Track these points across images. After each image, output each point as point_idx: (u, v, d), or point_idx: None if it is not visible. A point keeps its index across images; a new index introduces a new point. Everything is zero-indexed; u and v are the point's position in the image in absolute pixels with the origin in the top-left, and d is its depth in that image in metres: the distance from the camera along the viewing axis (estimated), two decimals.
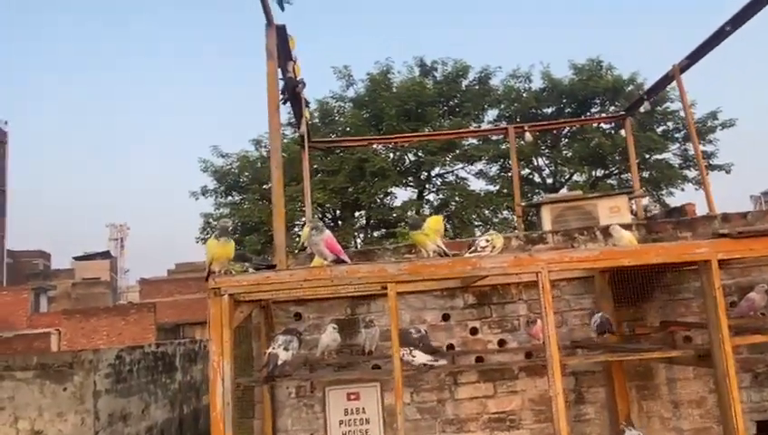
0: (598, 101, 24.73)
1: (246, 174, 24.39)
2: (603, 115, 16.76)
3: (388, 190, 24.36)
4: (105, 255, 48.74)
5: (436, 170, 25.27)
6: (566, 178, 25.88)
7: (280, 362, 3.78)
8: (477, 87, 24.95)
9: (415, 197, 25.09)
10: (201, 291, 3.38)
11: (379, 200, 23.94)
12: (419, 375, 5.23)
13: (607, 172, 25.45)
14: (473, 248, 4.16)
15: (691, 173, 23.95)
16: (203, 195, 24.44)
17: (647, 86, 23.48)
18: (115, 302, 38.82)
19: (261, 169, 23.53)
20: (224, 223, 3.51)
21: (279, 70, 6.28)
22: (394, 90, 24.09)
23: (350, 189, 22.79)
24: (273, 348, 3.84)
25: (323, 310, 5.31)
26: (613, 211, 7.45)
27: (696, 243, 3.61)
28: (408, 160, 24.73)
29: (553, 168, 26.33)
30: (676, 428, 5.19)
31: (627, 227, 5.42)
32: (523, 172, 25.91)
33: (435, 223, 5.20)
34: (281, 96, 7.26)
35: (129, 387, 9.75)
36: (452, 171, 25.25)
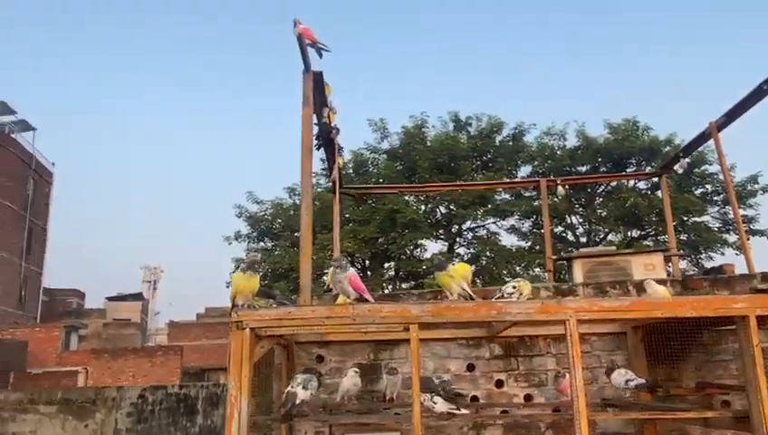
0: (633, 162, 24.56)
1: (279, 221, 24.76)
2: (640, 172, 16.57)
3: (419, 242, 24.36)
4: (137, 296, 49.42)
5: (468, 224, 25.25)
6: (600, 237, 25.50)
7: (298, 401, 3.71)
8: (511, 143, 25.10)
9: (445, 249, 24.99)
10: (228, 336, 3.36)
11: (408, 252, 23.91)
12: (442, 427, 5.07)
13: (643, 233, 25.03)
14: (499, 294, 4.08)
15: (731, 237, 23.35)
16: (236, 240, 24.85)
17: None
18: (144, 343, 39.09)
19: (293, 217, 23.86)
20: (252, 256, 3.53)
21: (314, 116, 6.44)
22: (428, 143, 24.42)
23: (380, 240, 22.87)
24: (292, 387, 3.77)
25: (346, 353, 5.23)
26: (648, 269, 7.27)
27: (733, 298, 3.47)
28: (439, 213, 24.80)
29: (587, 226, 26.04)
30: None
31: (661, 282, 5.26)
32: (556, 230, 25.70)
33: (462, 269, 5.14)
34: (315, 141, 7.42)
35: (149, 428, 9.69)
36: (483, 226, 25.18)
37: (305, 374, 3.89)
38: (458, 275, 3.82)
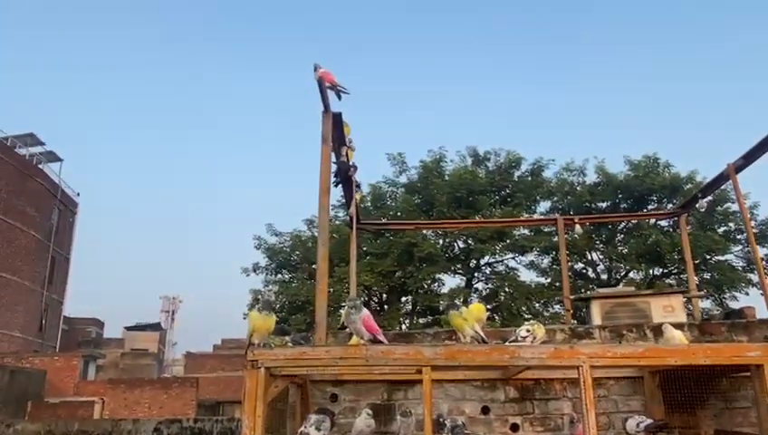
0: (654, 198, 24.36)
1: (297, 253, 24.86)
2: (659, 211, 16.44)
3: (436, 277, 24.29)
4: (155, 326, 49.68)
5: (486, 259, 25.11)
6: (621, 274, 25.18)
7: None
8: (530, 178, 25.07)
9: (463, 284, 24.85)
10: (243, 369, 3.42)
11: (426, 286, 23.81)
12: None
13: (665, 271, 24.66)
14: (513, 338, 4.08)
15: (755, 277, 22.92)
16: (254, 271, 24.96)
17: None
18: (160, 374, 39.14)
19: (311, 249, 23.98)
20: (268, 296, 3.60)
21: (333, 154, 6.57)
22: (446, 178, 24.52)
23: (397, 274, 22.82)
24: (306, 427, 3.79)
25: (360, 393, 5.23)
26: (667, 310, 7.19)
27: (747, 345, 3.44)
28: (457, 247, 24.73)
29: (608, 263, 25.74)
30: None
31: (679, 326, 5.21)
32: (576, 266, 25.48)
33: (477, 311, 5.16)
34: (333, 178, 7.55)
35: None
36: (502, 261, 25.02)
37: (318, 415, 3.91)
38: (472, 317, 3.84)
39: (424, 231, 23.51)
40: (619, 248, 24.94)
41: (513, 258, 25.02)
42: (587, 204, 24.56)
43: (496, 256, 24.86)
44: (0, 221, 29.39)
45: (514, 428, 5.13)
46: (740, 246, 22.99)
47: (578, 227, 9.00)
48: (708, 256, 22.29)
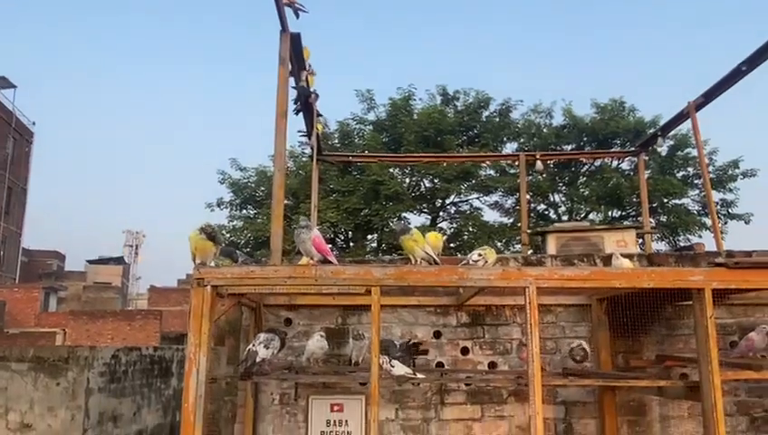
0: (618, 142, 24.64)
1: (263, 189, 24.56)
2: (619, 150, 16.62)
3: (402, 215, 24.38)
4: (118, 260, 49.16)
5: (451, 199, 25.31)
6: (582, 216, 25.68)
7: (259, 360, 3.73)
8: (497, 119, 25.05)
9: (428, 223, 25.07)
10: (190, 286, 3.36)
11: (391, 224, 23.94)
12: (407, 392, 5.15)
13: (624, 213, 25.26)
14: (465, 261, 4.10)
15: (709, 220, 23.67)
16: (218, 206, 24.69)
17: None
18: (124, 307, 38.99)
19: None
20: (206, 227, 3.48)
21: (292, 78, 6.37)
22: (415, 116, 24.30)
23: (363, 211, 22.84)
24: (254, 345, 3.80)
25: (314, 317, 5.26)
26: (620, 244, 7.35)
27: (690, 270, 3.53)
28: (423, 187, 24.80)
29: (570, 205, 26.21)
30: None
31: (629, 257, 5.32)
32: (539, 207, 25.92)
33: (434, 239, 5.17)
34: (293, 106, 7.35)
35: (122, 388, 9.71)
36: (467, 201, 25.26)
37: (268, 334, 3.91)
38: (422, 239, 3.84)
39: (391, 169, 23.48)
40: (581, 191, 25.39)
41: (477, 198, 25.28)
42: (553, 146, 24.72)
43: (461, 196, 25.09)
44: None
45: (465, 351, 5.25)
46: (697, 191, 23.59)
47: (539, 163, 9.04)
48: (666, 200, 22.86)
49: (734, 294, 4.02)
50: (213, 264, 3.47)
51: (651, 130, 23.28)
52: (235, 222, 24.58)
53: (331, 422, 5.05)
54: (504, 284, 3.51)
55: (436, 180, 23.95)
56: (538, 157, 9.06)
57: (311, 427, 5.04)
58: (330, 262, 3.53)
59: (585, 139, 25.00)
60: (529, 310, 3.42)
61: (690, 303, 5.12)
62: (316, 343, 4.76)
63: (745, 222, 22.64)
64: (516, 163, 26.43)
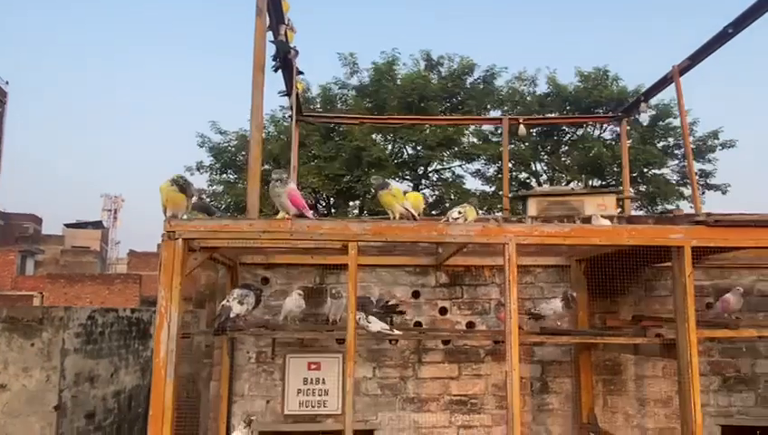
0: (601, 111, 24.62)
1: (243, 153, 24.21)
2: (601, 115, 16.56)
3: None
4: (97, 224, 48.50)
5: (434, 166, 25.22)
6: (563, 184, 25.80)
7: (232, 315, 3.67)
8: (482, 86, 24.84)
9: (410, 190, 24.98)
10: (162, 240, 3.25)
11: (374, 190, 23.81)
12: (384, 350, 5.13)
13: (604, 183, 25.41)
14: (445, 218, 4.04)
15: (688, 190, 23.91)
16: (198, 170, 24.33)
17: (652, 99, 23.60)
18: (104, 272, 38.63)
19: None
20: (178, 177, 3.35)
21: (270, 33, 6.16)
22: (398, 82, 24.00)
23: (346, 178, 22.67)
24: (228, 301, 3.73)
25: (291, 276, 5.19)
26: (600, 208, 7.35)
27: (670, 228, 3.50)
28: (406, 154, 24.65)
29: (551, 174, 26.30)
30: (640, 425, 5.09)
31: (608, 218, 5.32)
32: (521, 176, 25.95)
33: (414, 199, 5.10)
34: (273, 63, 7.15)
35: (99, 349, 9.63)
36: (449, 168, 25.19)
37: (242, 290, 3.84)
38: (401, 194, 3.76)
39: (373, 136, 23.27)
40: (563, 159, 25.48)
41: (459, 166, 25.22)
42: (536, 114, 24.62)
43: (443, 164, 25.00)
44: None
45: (443, 311, 5.24)
46: (676, 161, 23.77)
47: (522, 127, 8.95)
48: (646, 170, 23.02)
49: (714, 253, 4.02)
50: (185, 217, 3.36)
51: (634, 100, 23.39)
52: (215, 186, 24.27)
53: (309, 380, 5.03)
54: (483, 240, 3.45)
55: (419, 147, 23.82)
56: (521, 121, 8.97)
57: (287, 385, 5.02)
58: (306, 217, 3.44)
59: (568, 107, 24.94)
60: (508, 267, 3.38)
61: (668, 264, 5.18)
62: (293, 302, 4.70)
63: (722, 192, 22.93)
64: (499, 131, 26.39)
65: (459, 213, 3.92)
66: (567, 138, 25.61)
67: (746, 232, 3.43)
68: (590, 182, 25.28)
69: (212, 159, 24.21)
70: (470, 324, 5.22)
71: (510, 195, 8.36)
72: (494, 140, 25.69)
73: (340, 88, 24.62)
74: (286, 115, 22.56)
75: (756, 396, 5.14)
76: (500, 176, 25.61)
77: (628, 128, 23.33)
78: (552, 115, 24.59)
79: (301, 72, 7.46)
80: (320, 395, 5.00)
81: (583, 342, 4.63)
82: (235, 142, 24.44)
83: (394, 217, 3.71)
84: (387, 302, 4.74)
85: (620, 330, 5.11)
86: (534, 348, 5.15)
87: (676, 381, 5.03)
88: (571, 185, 25.48)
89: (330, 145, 22.75)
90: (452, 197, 23.87)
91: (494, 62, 27.29)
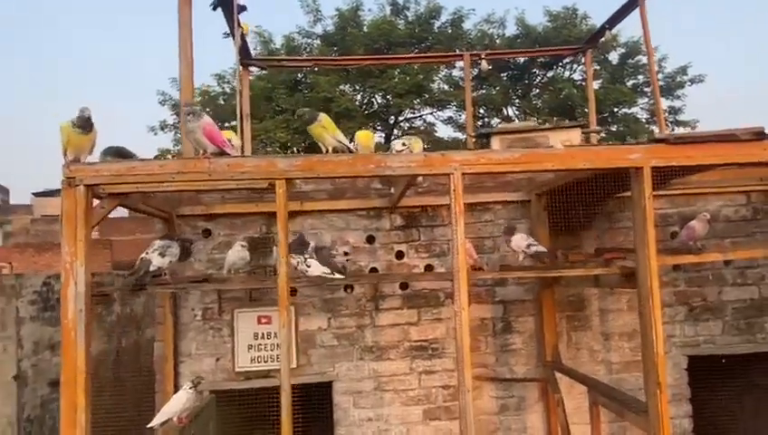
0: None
1: (207, 109, 23.35)
2: (565, 47, 16.18)
3: (355, 133, 23.71)
4: None
5: (405, 115, 24.73)
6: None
7: (152, 268, 3.34)
8: (450, 30, 24.17)
9: (383, 141, 24.54)
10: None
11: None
12: (340, 299, 4.87)
13: (576, 124, 25.19)
14: (389, 151, 3.72)
15: (657, 128, 23.81)
16: (162, 130, 23.60)
17: (621, 37, 23.18)
18: None
19: (223, 106, 22.71)
20: (84, 112, 2.93)
21: None
22: (365, 28, 23.23)
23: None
24: (147, 253, 3.40)
25: (235, 227, 4.85)
26: (565, 144, 7.06)
27: (628, 148, 3.21)
28: (375, 103, 24.08)
29: (523, 117, 25.97)
30: (605, 360, 4.94)
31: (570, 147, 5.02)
32: (492, 122, 25.57)
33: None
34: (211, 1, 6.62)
35: (58, 316, 9.26)
36: (420, 116, 24.73)
37: (163, 241, 3.50)
38: (332, 126, 3.41)
39: (341, 87, 22.64)
40: (534, 102, 25.16)
41: (431, 114, 24.78)
42: (508, 60, 24.14)
43: (414, 112, 24.52)
44: None
45: (399, 255, 4.97)
46: (646, 99, 23.57)
47: (484, 63, 8.58)
48: (616, 109, 22.82)
49: (677, 176, 3.76)
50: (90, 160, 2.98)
51: (603, 39, 22.98)
52: (180, 146, 23.51)
53: (260, 335, 4.77)
54: (426, 171, 3.14)
55: (388, 96, 23.26)
56: (483, 57, 8.59)
57: (237, 341, 4.75)
58: (227, 154, 3.08)
59: (538, 48, 24.47)
60: (453, 198, 3.08)
61: (629, 195, 4.94)
62: (237, 254, 4.39)
63: (692, 128, 22.83)
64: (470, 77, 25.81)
65: (403, 144, 3.60)
66: (537, 80, 25.26)
67: (709, 148, 3.16)
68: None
69: (175, 117, 23.41)
70: (428, 267, 4.96)
71: (473, 134, 8.02)
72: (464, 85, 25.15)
73: (304, 37, 23.79)
74: (252, 71, 21.79)
75: (723, 324, 5.00)
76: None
77: (598, 67, 23.00)
78: (522, 61, 24.14)
79: (243, 9, 6.91)
80: (272, 350, 4.75)
81: (539, 276, 4.41)
82: (198, 99, 23.63)
83: (327, 151, 3.37)
84: (323, 246, 4.46)
85: (584, 264, 4.91)
86: (496, 288, 4.93)
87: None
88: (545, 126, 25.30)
89: (296, 97, 22.08)
90: (424, 146, 23.51)
91: (460, 5, 26.40)
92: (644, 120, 23.79)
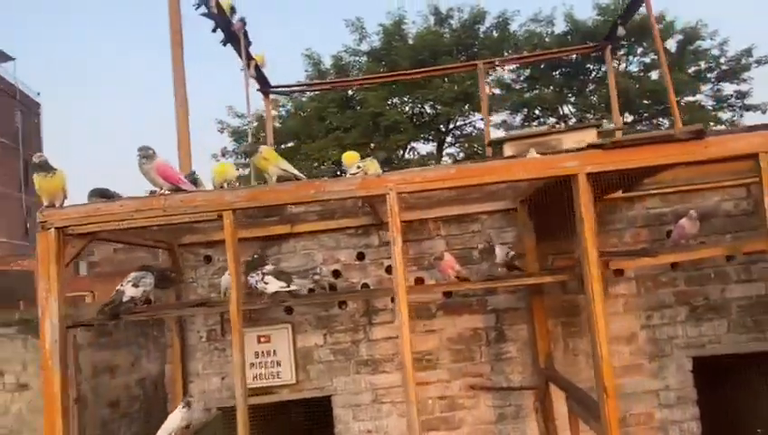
0: (624, 43, 23.46)
1: (263, 133, 24.35)
2: (582, 46, 15.66)
3: (412, 145, 24.08)
4: None
5: (455, 123, 24.72)
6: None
7: (125, 299, 3.65)
8: (495, 34, 24.00)
9: (434, 150, 24.67)
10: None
11: (398, 156, 23.58)
12: (334, 316, 5.06)
13: (636, 117, 24.34)
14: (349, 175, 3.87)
15: (725, 114, 22.65)
16: (223, 156, 24.65)
17: (678, 24, 22.22)
18: None
19: (277, 129, 23.56)
20: (39, 158, 3.31)
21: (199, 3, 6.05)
22: (410, 41, 23.48)
23: (369, 146, 22.46)
24: (122, 285, 3.71)
25: None
26: (580, 145, 6.97)
27: (565, 156, 3.23)
28: (425, 114, 24.21)
29: (580, 115, 25.34)
30: None
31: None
32: (549, 121, 25.08)
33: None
34: (222, 39, 7.02)
35: (115, 341, 9.94)
36: (470, 123, 24.65)
37: (139, 272, 3.81)
38: (274, 156, 3.61)
39: (391, 100, 22.97)
40: (590, 99, 24.50)
41: (482, 119, 24.62)
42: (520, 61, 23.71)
43: (464, 119, 24.48)
44: None
45: (389, 270, 5.09)
46: (710, 85, 22.48)
47: (499, 70, 8.57)
48: (678, 98, 21.85)
49: (635, 179, 3.72)
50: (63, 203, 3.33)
51: (658, 26, 22.08)
52: (240, 170, 24.52)
53: (260, 353, 5.02)
54: (364, 193, 3.29)
55: (437, 106, 23.34)
56: (497, 63, 8.60)
57: None
58: (183, 190, 3.35)
59: (588, 43, 23.84)
60: (390, 216, 3.21)
61: (623, 196, 4.87)
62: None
63: (762, 112, 21.54)
64: (522, 78, 25.48)
65: (358, 167, 3.74)
66: (592, 76, 24.59)
67: (648, 151, 3.12)
68: (622, 119, 24.24)
69: (234, 143, 24.46)
70: (418, 280, 5.07)
71: (487, 142, 8.02)
72: (517, 87, 24.98)
73: (351, 55, 24.29)
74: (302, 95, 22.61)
75: (729, 323, 4.80)
76: (526, 124, 24.94)
77: (617, 63, 22.02)
78: (582, 64, 23.59)
79: (250, 43, 7.27)
80: (272, 367, 4.99)
81: (509, 285, 4.44)
82: (255, 124, 24.59)
83: (271, 180, 3.58)
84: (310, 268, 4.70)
85: (573, 270, 4.88)
86: (487, 297, 4.97)
87: (640, 316, 4.81)
88: (604, 122, 24.55)
89: (347, 115, 22.60)
90: (478, 151, 23.35)
91: (504, 7, 26.13)
92: (710, 108, 22.69)
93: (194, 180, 3.84)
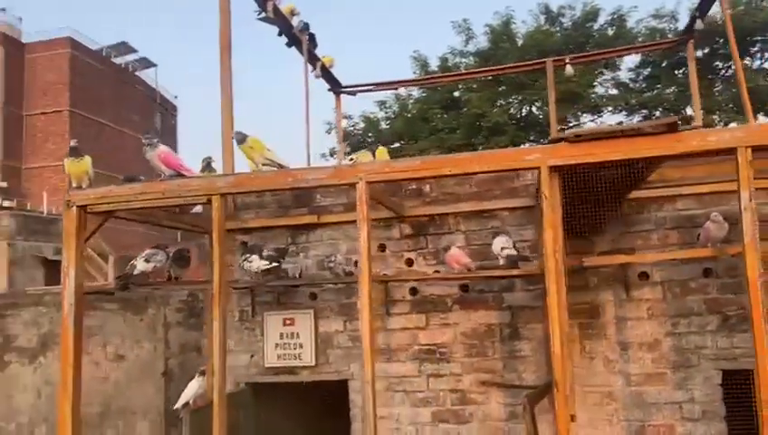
0: (759, 38, 21.43)
1: (370, 134, 25.07)
2: (660, 41, 14.24)
3: (507, 147, 23.63)
4: None
5: (565, 123, 23.85)
6: (721, 126, 22.93)
7: (136, 272, 4.10)
8: (610, 31, 22.88)
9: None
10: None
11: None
12: (353, 305, 5.26)
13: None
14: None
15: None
16: (331, 156, 25.66)
17: None
18: None
19: (384, 131, 24.17)
20: (72, 144, 3.83)
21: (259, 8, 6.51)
22: (519, 42, 23.08)
23: (471, 147, 22.38)
24: (136, 260, 4.16)
25: (266, 238, 5.50)
26: None
27: (527, 149, 3.22)
28: (530, 115, 23.64)
29: (704, 115, 23.45)
30: (623, 371, 4.62)
31: None
32: None
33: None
34: (286, 42, 7.47)
35: (203, 322, 10.83)
36: (578, 124, 23.65)
37: (153, 250, 4.25)
38: (259, 145, 3.87)
39: (497, 102, 22.71)
40: (718, 98, 22.62)
41: (591, 121, 23.59)
42: (680, 52, 22.15)
43: (573, 121, 23.55)
44: (111, 129, 32.06)
45: (409, 262, 5.21)
46: None
47: (569, 68, 8.28)
48: None
49: (640, 176, 3.56)
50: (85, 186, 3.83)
51: None
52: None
53: (284, 335, 5.35)
54: (335, 181, 3.47)
55: (545, 107, 22.70)
56: (567, 61, 8.31)
57: (266, 340, 5.39)
58: (183, 176, 3.72)
59: (719, 41, 22.01)
60: (359, 204, 3.37)
61: (651, 196, 4.64)
62: (260, 261, 5.03)
63: None
64: (640, 77, 24.03)
65: (351, 159, 3.93)
66: (721, 74, 22.71)
67: (614, 144, 3.00)
68: (755, 119, 22.12)
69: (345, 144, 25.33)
70: (437, 273, 5.13)
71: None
72: (631, 86, 23.68)
73: (457, 57, 24.30)
74: (411, 93, 23.04)
75: None
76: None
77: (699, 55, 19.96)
78: (703, 54, 21.89)
79: (316, 46, 7.64)
80: (295, 349, 5.29)
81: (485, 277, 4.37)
82: (362, 125, 25.37)
83: (256, 167, 3.84)
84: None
85: (597, 270, 4.72)
86: (504, 294, 4.92)
87: (665, 322, 4.55)
88: (731, 126, 22.57)
89: (450, 116, 22.67)
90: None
91: (620, 4, 24.79)
92: None
93: (208, 165, 4.23)
